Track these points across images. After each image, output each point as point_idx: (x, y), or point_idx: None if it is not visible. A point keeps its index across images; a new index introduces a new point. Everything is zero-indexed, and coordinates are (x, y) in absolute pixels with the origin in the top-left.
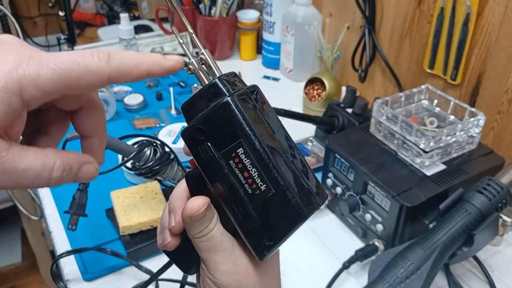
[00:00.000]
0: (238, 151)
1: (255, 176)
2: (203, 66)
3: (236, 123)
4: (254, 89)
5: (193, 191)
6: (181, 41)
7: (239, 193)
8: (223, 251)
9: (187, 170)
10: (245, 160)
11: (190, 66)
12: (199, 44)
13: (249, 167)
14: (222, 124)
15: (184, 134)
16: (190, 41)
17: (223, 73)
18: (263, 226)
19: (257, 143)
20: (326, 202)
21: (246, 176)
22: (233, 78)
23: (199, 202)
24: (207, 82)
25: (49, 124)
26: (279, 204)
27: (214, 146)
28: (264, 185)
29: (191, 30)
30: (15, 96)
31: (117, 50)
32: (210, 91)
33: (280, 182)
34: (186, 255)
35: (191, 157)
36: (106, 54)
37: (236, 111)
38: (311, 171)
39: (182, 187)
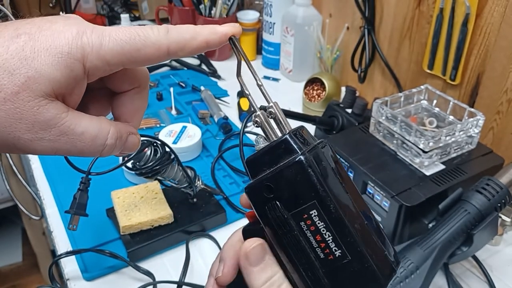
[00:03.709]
0: (311, 212)
1: (329, 240)
2: (271, 120)
3: (310, 183)
4: (325, 144)
5: None
6: (247, 92)
7: (309, 257)
8: None
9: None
10: (319, 223)
11: (257, 119)
12: (267, 96)
13: (323, 231)
14: (295, 183)
15: (250, 190)
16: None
17: (292, 127)
18: None
19: (332, 205)
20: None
21: (318, 239)
22: (301, 133)
23: (252, 239)
24: (274, 137)
25: (93, 104)
26: (355, 272)
27: (283, 205)
28: (339, 251)
29: (259, 82)
30: (78, 62)
31: (176, 25)
32: (281, 147)
33: (357, 249)
34: None
35: (250, 210)
36: (165, 27)
37: (310, 170)
38: (382, 231)
39: (237, 237)
